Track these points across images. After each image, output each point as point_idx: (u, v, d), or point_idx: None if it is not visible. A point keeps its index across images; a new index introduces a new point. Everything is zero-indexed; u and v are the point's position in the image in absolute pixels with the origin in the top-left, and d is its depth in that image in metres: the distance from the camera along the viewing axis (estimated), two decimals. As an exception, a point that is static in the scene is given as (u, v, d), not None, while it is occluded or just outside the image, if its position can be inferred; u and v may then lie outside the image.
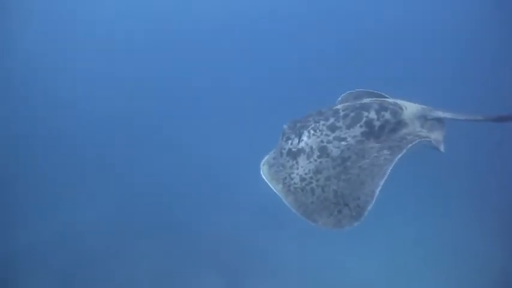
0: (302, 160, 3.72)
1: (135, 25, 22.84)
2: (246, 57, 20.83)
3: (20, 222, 10.75)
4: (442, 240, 9.17)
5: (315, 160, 3.67)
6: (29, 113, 17.06)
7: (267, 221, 10.01)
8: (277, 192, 3.61)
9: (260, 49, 21.50)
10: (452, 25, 17.59)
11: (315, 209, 3.31)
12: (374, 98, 4.52)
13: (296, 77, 18.47)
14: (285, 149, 3.87)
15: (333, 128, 3.84)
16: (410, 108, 4.22)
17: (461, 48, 16.41)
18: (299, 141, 3.81)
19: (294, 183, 3.58)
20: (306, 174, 3.61)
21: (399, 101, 4.38)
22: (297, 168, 3.69)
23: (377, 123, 3.89)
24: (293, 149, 3.81)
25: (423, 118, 4.24)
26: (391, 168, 3.37)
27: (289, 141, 3.87)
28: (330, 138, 3.77)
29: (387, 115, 3.97)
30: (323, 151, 3.71)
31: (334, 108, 4.14)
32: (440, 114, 4.28)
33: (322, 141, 3.76)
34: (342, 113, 3.98)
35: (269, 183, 3.74)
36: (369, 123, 3.87)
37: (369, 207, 3.13)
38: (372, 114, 3.94)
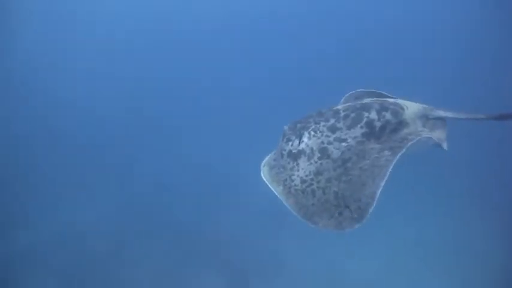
0: (303, 162, 3.70)
1: (135, 25, 22.85)
2: (246, 57, 20.80)
3: (20, 222, 10.73)
4: (442, 240, 9.17)
5: (316, 162, 3.65)
6: (29, 113, 17.01)
7: (268, 222, 9.99)
8: (278, 194, 3.59)
9: (260, 49, 21.48)
10: (452, 25, 17.59)
11: (315, 211, 3.29)
12: (375, 98, 4.49)
13: (296, 77, 18.45)
14: (285, 150, 3.85)
15: (333, 129, 3.81)
16: (411, 108, 4.19)
17: (461, 48, 16.40)
18: (299, 143, 3.79)
19: (295, 185, 3.56)
20: (306, 176, 3.59)
21: (400, 101, 4.35)
22: (298, 170, 3.66)
23: (378, 124, 3.86)
24: (293, 151, 3.79)
25: (424, 118, 4.20)
26: (391, 168, 3.35)
27: (290, 143, 3.85)
28: (331, 139, 3.75)
29: (388, 115, 3.94)
30: (324, 152, 3.68)
31: (335, 108, 4.11)
32: (441, 113, 4.25)
33: (322, 143, 3.73)
34: (342, 114, 3.95)
35: (270, 185, 3.72)
36: (370, 124, 3.84)
37: (370, 209, 3.10)
38: (373, 115, 3.91)
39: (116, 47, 21.46)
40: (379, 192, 3.20)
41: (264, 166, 4.03)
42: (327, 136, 3.77)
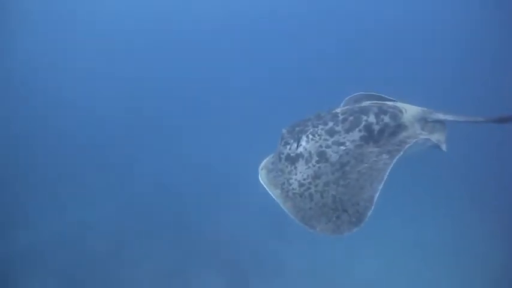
0: (300, 165, 3.68)
1: (135, 25, 22.85)
2: (246, 57, 20.82)
3: (20, 222, 10.74)
4: (442, 241, 9.18)
5: (314, 165, 3.63)
6: (29, 112, 17.05)
7: (268, 222, 9.99)
8: (275, 198, 3.57)
9: (260, 49, 21.50)
10: (452, 25, 17.57)
11: (313, 215, 3.27)
12: (373, 101, 4.47)
13: (296, 77, 18.46)
14: (283, 153, 3.83)
15: (331, 133, 3.79)
16: (410, 111, 4.16)
17: (461, 48, 16.39)
18: (297, 146, 3.77)
19: (293, 188, 3.55)
20: (304, 179, 3.58)
21: (399, 104, 4.33)
22: (296, 174, 3.65)
23: (376, 127, 3.83)
24: (291, 154, 3.77)
25: (423, 120, 4.17)
26: (388, 172, 3.34)
27: (288, 146, 3.83)
28: (329, 142, 3.72)
29: (386, 119, 3.92)
30: (322, 156, 3.67)
31: (333, 112, 4.09)
32: (440, 116, 4.22)
33: (320, 146, 3.71)
34: (340, 117, 3.92)
35: (267, 188, 3.70)
36: (368, 127, 3.82)
37: (369, 213, 3.10)
38: (371, 118, 3.88)
39: (116, 47, 21.48)
40: (377, 195, 3.19)
41: (261, 169, 4.01)
42: (325, 140, 3.75)
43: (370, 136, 3.78)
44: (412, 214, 9.92)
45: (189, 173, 12.74)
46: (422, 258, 8.78)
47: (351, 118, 3.89)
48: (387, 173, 3.32)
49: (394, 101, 4.68)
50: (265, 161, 4.18)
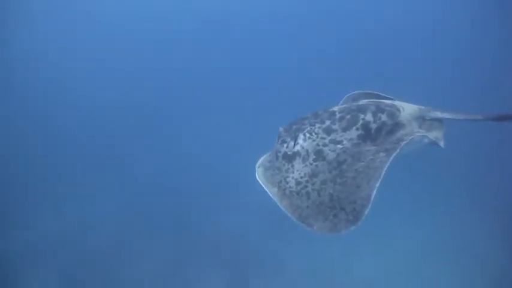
0: (298, 163, 3.68)
1: (135, 24, 22.84)
2: (246, 56, 20.82)
3: (20, 221, 10.77)
4: (441, 239, 9.18)
5: (311, 164, 3.63)
6: (29, 112, 17.08)
7: (267, 221, 9.99)
8: (272, 196, 3.56)
9: (259, 48, 21.50)
10: (451, 24, 17.57)
11: (310, 213, 3.27)
12: (371, 100, 4.46)
13: (296, 77, 18.46)
14: (280, 152, 3.83)
15: (328, 131, 3.78)
16: (407, 109, 4.15)
17: (460, 46, 16.38)
18: (294, 145, 3.77)
19: (290, 186, 3.54)
20: (301, 177, 3.57)
21: (397, 102, 4.32)
22: (293, 172, 3.64)
23: (373, 126, 3.83)
24: (288, 152, 3.76)
25: (421, 119, 4.16)
26: (385, 169, 3.32)
27: (285, 144, 3.83)
28: (326, 141, 3.71)
29: (384, 117, 3.91)
30: (319, 154, 3.66)
31: (330, 110, 4.07)
32: (438, 114, 4.21)
33: (318, 145, 3.71)
34: (338, 116, 3.91)
35: (264, 187, 3.70)
36: (366, 126, 3.81)
37: (366, 211, 3.08)
38: (369, 117, 3.87)
39: (116, 47, 21.50)
40: (374, 193, 3.18)
41: (258, 167, 4.01)
42: (322, 138, 3.74)
43: (368, 134, 3.77)
44: (411, 212, 9.93)
45: (188, 172, 12.77)
46: (421, 256, 8.79)
47: (348, 116, 3.89)
48: (384, 171, 3.31)
49: (392, 99, 4.68)
50: (262, 159, 4.18)
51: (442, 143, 3.96)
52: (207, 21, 23.08)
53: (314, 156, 3.66)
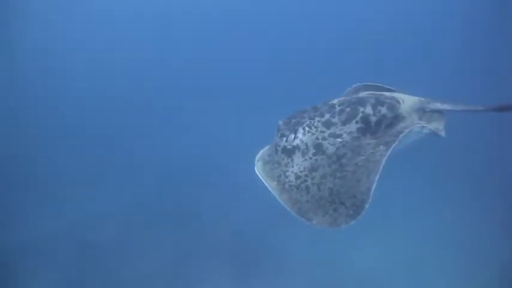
0: (297, 158, 3.67)
1: (138, 23, 22.74)
2: (248, 48, 20.76)
3: (21, 221, 10.77)
4: (443, 230, 9.18)
5: (310, 158, 3.61)
6: (31, 111, 17.10)
7: (270, 214, 9.97)
8: (271, 190, 3.56)
9: (261, 40, 21.43)
10: (451, 15, 17.44)
11: (310, 207, 3.26)
12: (371, 92, 4.42)
13: (298, 70, 18.39)
14: (279, 146, 3.81)
15: (328, 125, 3.76)
16: (407, 101, 4.12)
17: (461, 38, 16.27)
18: (294, 138, 3.75)
19: (289, 181, 3.53)
20: (301, 172, 3.56)
21: (397, 94, 4.29)
22: (292, 166, 3.63)
23: (373, 119, 3.80)
24: (288, 146, 3.75)
25: (421, 110, 4.13)
26: (384, 162, 3.31)
27: (284, 138, 3.81)
28: (325, 135, 3.70)
29: (384, 110, 3.87)
30: (318, 148, 3.64)
31: (330, 103, 4.04)
32: (439, 105, 4.17)
33: (317, 138, 3.69)
34: (337, 109, 3.88)
35: (263, 180, 3.69)
36: (365, 119, 3.78)
37: (366, 206, 3.08)
38: (368, 110, 3.84)
39: (116, 47, 21.48)
40: (373, 187, 3.17)
41: (258, 161, 4.00)
42: (322, 132, 3.72)
43: (367, 128, 3.75)
44: (413, 203, 9.91)
45: (189, 170, 12.76)
46: (423, 247, 8.79)
47: (348, 109, 3.86)
48: (383, 164, 3.30)
49: (394, 91, 4.63)
50: (261, 152, 4.17)
51: (442, 134, 3.93)
52: (207, 21, 22.99)
53: (313, 150, 3.65)
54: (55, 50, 20.82)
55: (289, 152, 3.73)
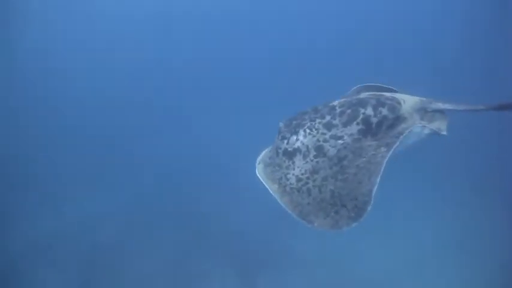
0: (298, 160, 3.65)
1: (136, 23, 22.69)
2: (247, 52, 20.75)
3: (21, 221, 10.77)
4: (444, 231, 9.19)
5: (312, 160, 3.60)
6: (31, 111, 17.10)
7: (277, 212, 9.91)
8: (273, 193, 3.55)
9: (263, 40, 21.42)
10: (452, 14, 17.40)
11: (311, 210, 3.25)
12: (372, 93, 4.40)
13: (299, 71, 18.36)
14: (280, 148, 3.80)
15: (329, 127, 3.74)
16: (408, 102, 4.09)
17: (462, 37, 16.25)
18: (295, 141, 3.74)
19: (290, 183, 3.52)
20: (302, 174, 3.55)
21: (398, 95, 4.26)
22: (293, 169, 3.62)
23: (374, 120, 3.77)
24: (289, 149, 3.73)
25: (423, 110, 4.10)
26: (385, 164, 3.29)
27: (285, 141, 3.79)
28: (326, 137, 3.68)
29: (385, 111, 3.84)
30: (319, 150, 3.63)
31: (331, 104, 4.01)
32: (440, 105, 4.14)
33: (318, 140, 3.67)
34: (338, 110, 3.86)
35: (264, 183, 3.68)
36: (366, 120, 3.75)
37: (368, 208, 3.07)
38: (369, 111, 3.81)
39: (118, 46, 21.44)
40: (375, 189, 3.15)
41: (259, 164, 3.99)
42: (323, 134, 3.70)
43: (368, 129, 3.72)
44: (413, 203, 9.92)
45: (192, 169, 12.75)
46: (429, 248, 8.83)
47: (349, 111, 3.83)
48: (384, 166, 3.28)
49: (395, 91, 4.61)
50: (262, 154, 4.16)
51: (443, 133, 3.90)
52: (208, 21, 22.95)
53: (315, 153, 3.63)
54: (55, 49, 20.78)
55: (290, 155, 3.71)
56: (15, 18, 19.22)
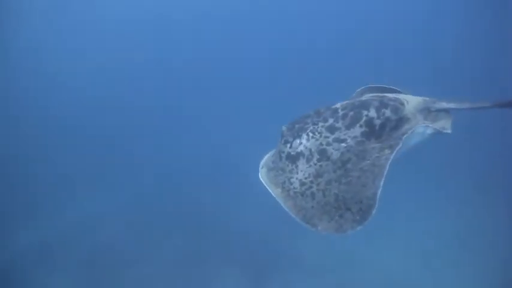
0: (302, 164, 3.62)
1: (136, 23, 22.64)
2: (250, 54, 20.73)
3: (22, 221, 10.79)
4: (448, 229, 9.18)
5: (315, 164, 3.56)
6: (31, 111, 17.09)
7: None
8: (276, 197, 3.52)
9: (265, 41, 21.39)
10: (454, 12, 17.34)
11: (315, 213, 3.22)
12: (374, 94, 4.36)
13: (302, 72, 18.34)
14: (283, 152, 3.76)
15: (332, 130, 3.70)
16: (411, 102, 4.04)
17: (460, 38, 16.22)
18: (298, 145, 3.70)
19: (294, 187, 3.49)
20: (306, 178, 3.51)
21: (401, 96, 4.22)
22: (297, 173, 3.59)
23: (377, 122, 3.72)
24: (292, 153, 3.70)
25: (426, 110, 4.04)
26: (388, 166, 3.26)
27: (288, 145, 3.76)
28: (330, 140, 3.64)
29: (388, 112, 3.79)
30: (323, 154, 3.59)
31: (333, 107, 3.97)
32: (444, 104, 4.09)
33: (321, 144, 3.63)
34: (340, 113, 3.82)
35: (267, 187, 3.65)
36: (369, 123, 3.71)
37: (373, 211, 3.04)
38: (372, 113, 3.77)
39: (118, 46, 21.41)
40: (379, 192, 3.12)
41: (262, 168, 3.95)
42: (326, 137, 3.66)
43: (372, 131, 3.68)
44: (423, 203, 9.92)
45: (191, 166, 12.73)
46: (434, 247, 8.83)
47: (351, 113, 3.79)
48: (387, 168, 3.25)
49: (399, 91, 4.56)
50: (265, 158, 4.13)
51: (448, 131, 3.85)
52: (208, 21, 22.90)
53: (318, 156, 3.59)
54: (56, 49, 20.75)
55: (294, 159, 3.68)
56: (15, 18, 19.17)
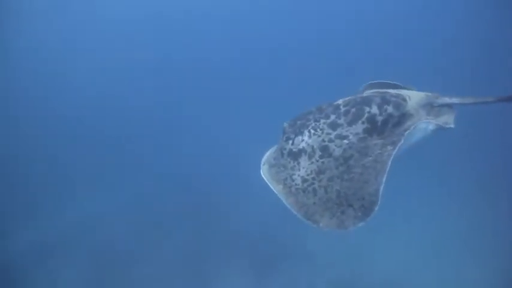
0: (304, 161, 3.60)
1: (136, 23, 22.62)
2: (252, 52, 20.71)
3: (22, 221, 10.77)
4: (450, 227, 9.16)
5: (317, 160, 3.54)
6: (31, 111, 17.07)
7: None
8: (278, 193, 3.50)
9: (269, 38, 21.37)
10: (458, 11, 17.32)
11: (316, 209, 3.20)
12: (376, 90, 4.33)
13: (305, 69, 18.32)
14: (285, 149, 3.74)
15: (334, 126, 3.67)
16: (414, 98, 4.01)
17: (461, 38, 16.20)
18: (300, 141, 3.68)
19: (296, 184, 3.47)
20: (308, 175, 3.49)
21: (403, 91, 4.19)
22: (299, 170, 3.57)
23: (380, 118, 3.69)
24: (294, 150, 3.68)
25: (429, 106, 4.02)
26: (390, 162, 3.24)
27: (290, 141, 3.74)
28: (332, 136, 3.61)
29: (390, 109, 3.76)
30: (325, 151, 3.56)
31: (335, 104, 3.94)
32: (447, 100, 4.07)
33: (323, 141, 3.61)
34: (342, 109, 3.79)
35: (269, 184, 3.62)
36: (371, 119, 3.68)
37: (376, 208, 3.02)
38: (374, 109, 3.74)
39: (119, 46, 21.38)
40: (381, 188, 3.10)
41: (263, 164, 3.93)
42: (328, 134, 3.64)
43: (374, 128, 3.65)
44: (426, 200, 9.90)
45: (191, 166, 12.70)
46: (436, 245, 8.81)
47: (353, 110, 3.76)
48: (389, 164, 3.23)
49: (401, 87, 4.53)
50: (266, 155, 4.11)
51: (451, 126, 3.82)
52: (212, 18, 22.89)
53: (320, 153, 3.57)
54: (56, 49, 20.72)
55: (295, 155, 3.65)
56: (15, 17, 19.17)
